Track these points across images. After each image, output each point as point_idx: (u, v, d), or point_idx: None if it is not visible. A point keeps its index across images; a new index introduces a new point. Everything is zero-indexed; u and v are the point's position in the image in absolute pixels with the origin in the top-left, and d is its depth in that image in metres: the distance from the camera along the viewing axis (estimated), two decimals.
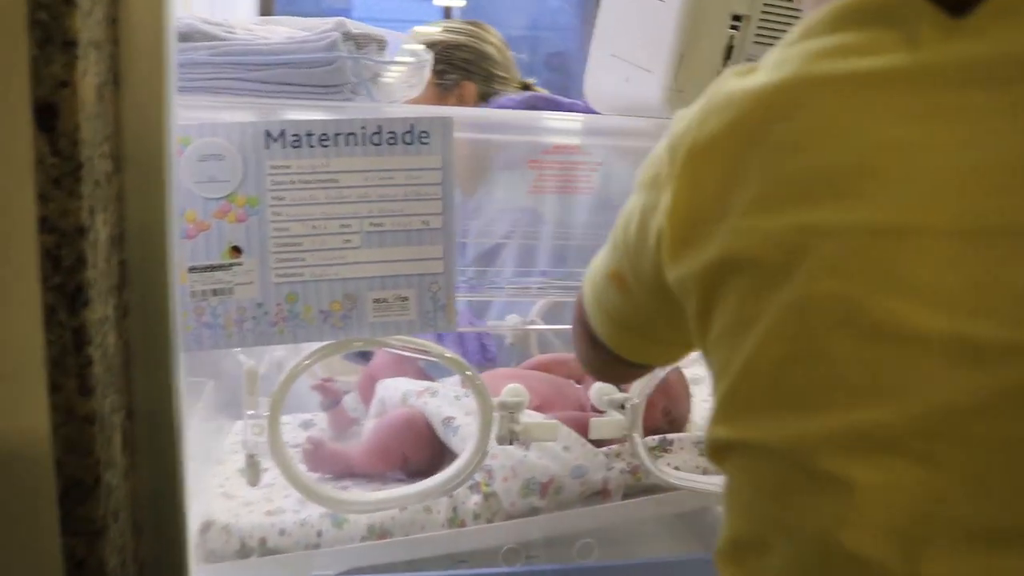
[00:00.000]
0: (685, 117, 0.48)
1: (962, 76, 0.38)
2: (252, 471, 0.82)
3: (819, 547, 0.39)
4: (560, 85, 5.69)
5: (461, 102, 1.43)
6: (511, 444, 0.88)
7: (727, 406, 0.44)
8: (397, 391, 1.05)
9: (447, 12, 4.82)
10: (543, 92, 1.55)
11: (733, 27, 0.89)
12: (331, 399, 1.14)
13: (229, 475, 0.99)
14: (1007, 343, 0.35)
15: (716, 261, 0.43)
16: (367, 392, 1.14)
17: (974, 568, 0.36)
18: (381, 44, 0.91)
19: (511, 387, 0.89)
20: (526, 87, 1.55)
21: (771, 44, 0.91)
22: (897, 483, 0.37)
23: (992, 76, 0.38)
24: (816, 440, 0.39)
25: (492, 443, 0.87)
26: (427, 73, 0.93)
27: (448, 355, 0.87)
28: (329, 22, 0.88)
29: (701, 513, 1.04)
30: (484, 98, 1.46)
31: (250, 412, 0.81)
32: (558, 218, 1.00)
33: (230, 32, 0.89)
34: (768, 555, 0.42)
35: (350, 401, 1.17)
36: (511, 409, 0.87)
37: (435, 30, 1.54)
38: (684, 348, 0.60)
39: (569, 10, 5.62)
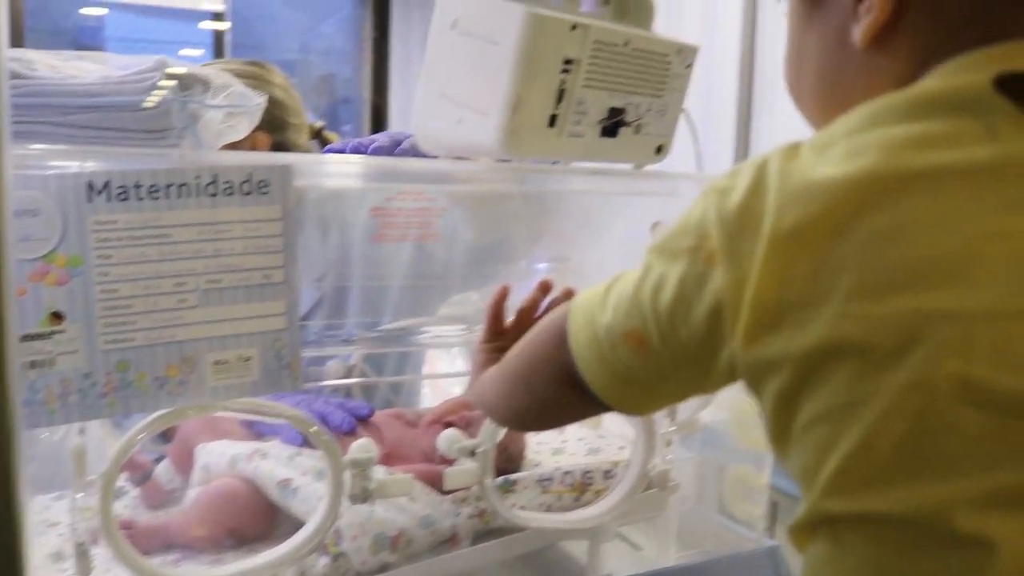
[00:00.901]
0: (735, 193, 0.48)
1: None
2: (83, 562, 0.74)
3: None
4: (329, 109, 5.62)
5: None
6: (364, 502, 0.84)
7: (841, 482, 0.46)
8: (223, 456, 0.97)
9: (217, 35, 4.63)
10: (334, 137, 1.50)
11: (565, 71, 0.91)
12: (141, 474, 1.04)
13: (38, 562, 0.89)
14: None
15: (817, 345, 0.44)
16: (182, 461, 1.05)
17: None
18: (206, 85, 0.85)
19: (360, 443, 0.85)
20: (318, 133, 1.49)
21: (600, 88, 0.95)
22: None
23: None
24: (952, 503, 0.42)
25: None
26: (257, 118, 0.88)
27: (291, 413, 0.83)
28: (148, 61, 0.81)
29: (544, 551, 1.05)
30: (275, 148, 1.35)
31: (79, 495, 0.73)
32: (391, 265, 0.99)
33: (31, 68, 0.80)
34: None
35: (163, 472, 1.07)
36: (362, 466, 0.84)
37: (212, 72, 1.42)
38: (682, 399, 0.61)
39: (341, 34, 5.56)
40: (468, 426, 1.04)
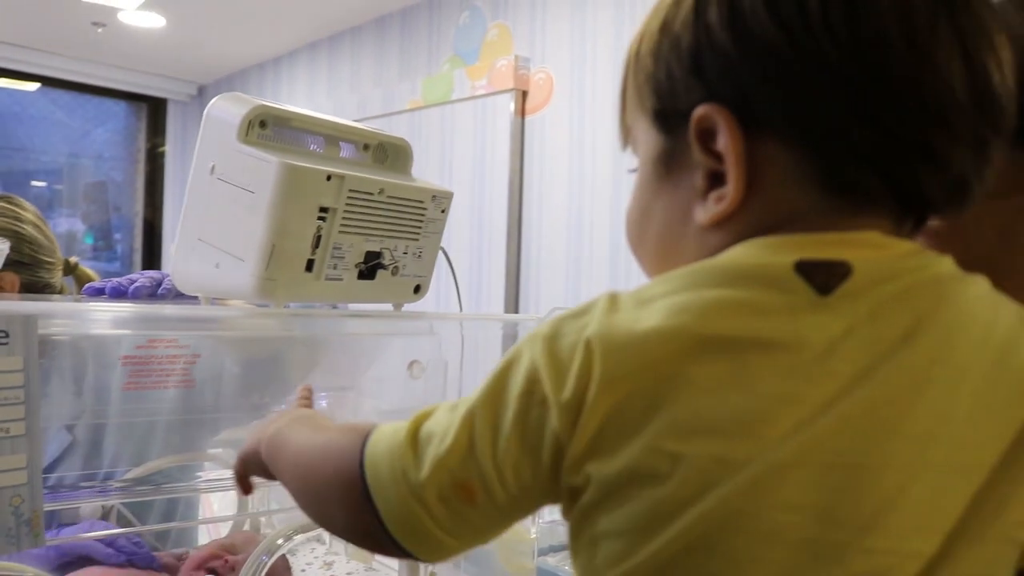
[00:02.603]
0: (563, 339, 0.52)
1: (827, 346, 0.49)
2: None
3: None
4: (100, 218, 5.38)
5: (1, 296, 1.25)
6: None
7: None
8: None
9: None
10: (91, 275, 1.45)
11: (320, 218, 0.95)
12: None
13: None
14: (851, 545, 0.48)
15: (622, 472, 0.50)
16: None
17: None
18: None
19: None
20: (73, 269, 1.43)
21: (356, 233, 0.99)
22: None
23: (846, 350, 0.49)
24: None
25: None
26: (0, 261, 0.86)
27: (31, 572, 0.79)
28: None
29: None
30: (26, 288, 1.29)
31: None
32: (153, 403, 0.97)
33: None
34: None
35: None
36: None
37: None
38: (500, 533, 0.61)
39: (114, 142, 5.38)
40: (232, 570, 1.02)
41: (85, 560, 1.01)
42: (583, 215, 2.75)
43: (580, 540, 0.54)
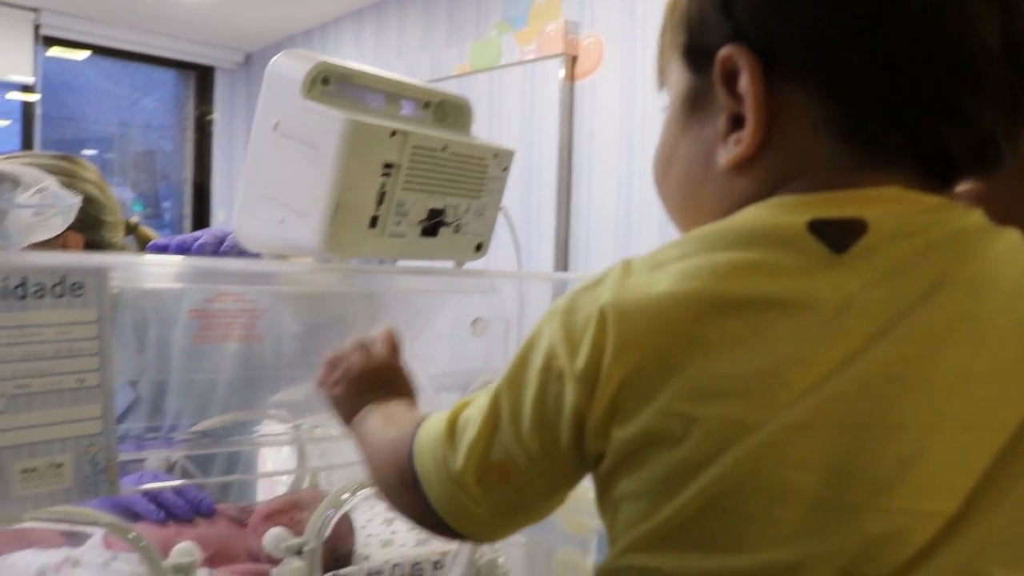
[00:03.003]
0: (579, 312, 0.53)
1: (842, 305, 0.48)
2: None
3: None
4: (149, 186, 5.45)
5: None
6: None
7: (642, 543, 0.52)
8: (29, 567, 0.92)
9: (26, 107, 4.44)
10: (151, 234, 1.47)
11: (385, 174, 0.95)
12: None
13: None
14: (866, 506, 0.47)
15: (637, 436, 0.50)
16: None
17: None
18: (15, 183, 0.83)
19: (182, 546, 0.83)
20: (134, 229, 1.45)
21: (419, 190, 0.99)
22: None
23: (862, 309, 0.48)
24: (728, 573, 0.49)
25: None
26: (71, 216, 0.87)
27: (107, 519, 0.81)
28: None
29: None
30: (89, 247, 1.30)
31: None
32: (214, 361, 0.98)
33: None
34: None
35: None
36: (185, 571, 0.82)
37: (23, 169, 1.34)
38: (545, 512, 0.63)
39: (163, 110, 5.44)
40: (296, 524, 1.03)
41: (129, 514, 1.01)
42: (633, 181, 2.73)
43: (604, 503, 0.55)
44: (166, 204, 5.47)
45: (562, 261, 2.93)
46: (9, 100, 4.50)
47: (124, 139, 5.48)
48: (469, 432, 0.58)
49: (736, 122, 0.55)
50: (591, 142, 2.88)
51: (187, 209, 5.19)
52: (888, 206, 0.51)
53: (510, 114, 3.07)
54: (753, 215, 0.53)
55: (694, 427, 0.49)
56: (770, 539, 0.48)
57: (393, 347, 0.84)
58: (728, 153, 0.55)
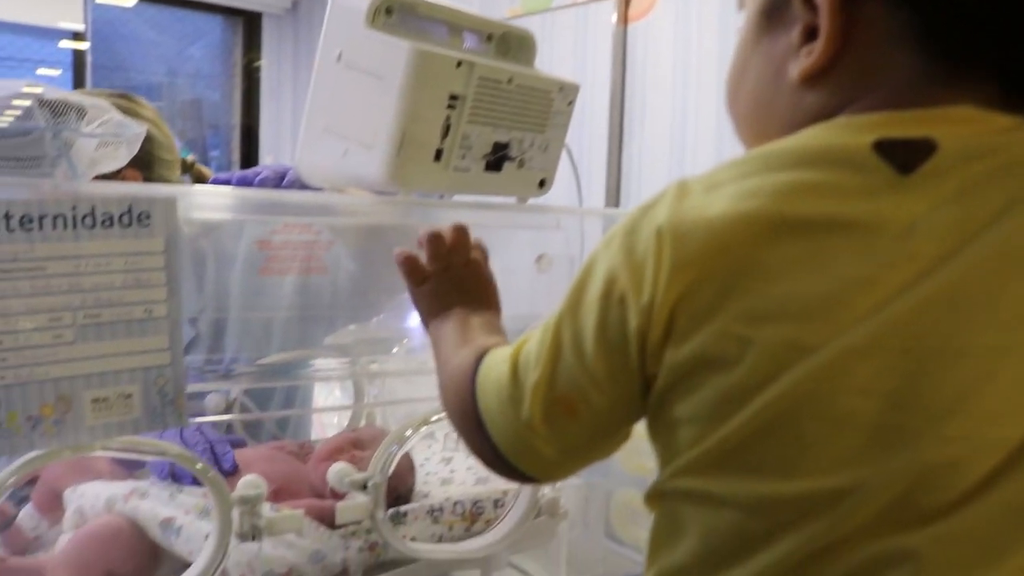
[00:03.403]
0: (638, 235, 0.51)
1: (908, 227, 0.47)
2: None
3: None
4: (197, 134, 5.48)
5: None
6: (253, 540, 0.83)
7: (694, 467, 0.51)
8: (98, 498, 0.93)
9: (77, 55, 4.46)
10: (208, 172, 1.47)
11: (450, 106, 0.92)
12: (2, 520, 0.98)
13: None
14: (927, 432, 0.46)
15: (692, 357, 0.49)
16: (49, 504, 1.00)
17: None
18: (80, 113, 0.83)
19: (248, 479, 0.83)
20: (190, 168, 1.44)
21: (484, 123, 0.97)
22: None
23: (929, 231, 0.46)
24: (779, 497, 0.49)
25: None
26: (136, 147, 0.86)
27: (176, 451, 0.81)
28: (18, 85, 0.79)
29: None
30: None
31: None
32: (271, 298, 0.97)
33: None
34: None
35: (26, 518, 1.02)
36: (252, 503, 0.82)
37: (87, 99, 1.35)
38: (611, 450, 0.61)
39: (210, 58, 5.44)
40: (357, 462, 1.03)
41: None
42: (687, 126, 2.67)
43: (656, 426, 0.54)
44: (214, 153, 5.49)
45: (613, 205, 2.90)
46: (61, 49, 4.53)
47: (172, 88, 5.50)
48: (532, 371, 0.56)
49: (811, 34, 0.53)
50: (644, 87, 2.82)
51: (235, 156, 5.21)
52: (959, 126, 0.49)
53: (562, 58, 3.01)
54: (816, 134, 0.51)
55: (749, 349, 0.48)
56: (824, 465, 0.47)
57: (486, 255, 0.83)
58: (800, 65, 0.54)
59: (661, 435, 0.54)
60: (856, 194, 0.48)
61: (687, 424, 0.51)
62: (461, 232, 0.80)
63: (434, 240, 0.79)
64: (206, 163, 5.52)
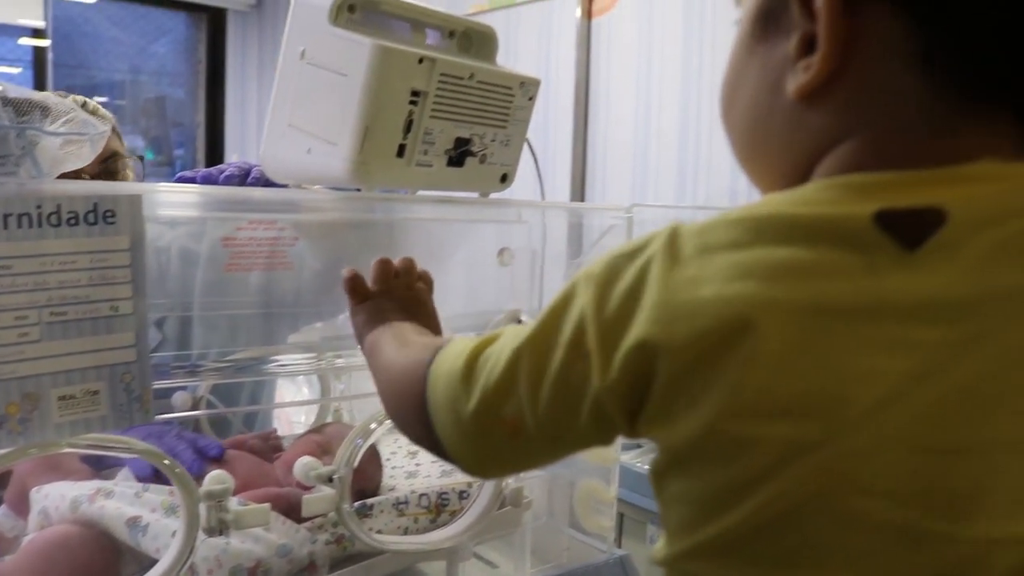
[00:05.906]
0: (615, 293, 0.48)
1: (914, 311, 0.42)
2: None
3: None
4: (160, 132, 5.43)
5: None
6: (221, 535, 0.83)
7: (697, 551, 0.48)
8: (63, 499, 0.93)
9: (37, 52, 4.41)
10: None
11: (412, 102, 0.94)
12: None
13: None
14: (942, 533, 0.43)
15: (685, 444, 0.47)
16: (20, 504, 1.00)
17: None
18: (45, 111, 0.83)
19: (215, 474, 0.84)
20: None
21: (446, 119, 0.98)
22: None
23: (939, 314, 0.42)
24: None
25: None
26: (101, 145, 0.86)
27: (142, 447, 0.81)
28: None
29: (402, 574, 1.06)
30: (100, 179, 1.31)
31: None
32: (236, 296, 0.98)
33: None
34: None
35: (4, 520, 1.02)
36: (218, 497, 0.83)
37: (53, 98, 1.35)
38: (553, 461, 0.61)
39: (173, 55, 5.39)
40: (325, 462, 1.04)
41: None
42: (651, 120, 2.70)
43: (661, 497, 0.52)
44: (179, 151, 5.44)
45: (578, 198, 2.92)
46: (20, 46, 4.47)
47: (135, 86, 5.44)
48: (485, 377, 0.54)
49: (809, 45, 0.48)
50: (608, 81, 2.85)
51: (200, 155, 5.17)
52: (973, 186, 0.44)
53: (526, 53, 3.03)
54: (815, 197, 0.47)
55: (746, 448, 0.44)
56: (833, 563, 0.44)
57: (430, 286, 0.85)
58: (796, 80, 0.49)
59: (663, 509, 0.51)
60: (857, 275, 0.43)
61: (685, 505, 0.49)
62: (408, 262, 0.85)
63: (380, 264, 0.83)
64: (171, 162, 5.48)
